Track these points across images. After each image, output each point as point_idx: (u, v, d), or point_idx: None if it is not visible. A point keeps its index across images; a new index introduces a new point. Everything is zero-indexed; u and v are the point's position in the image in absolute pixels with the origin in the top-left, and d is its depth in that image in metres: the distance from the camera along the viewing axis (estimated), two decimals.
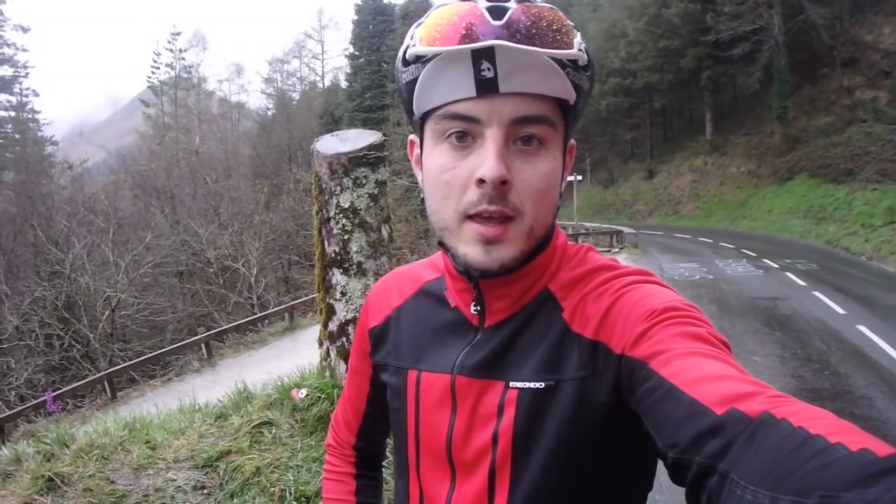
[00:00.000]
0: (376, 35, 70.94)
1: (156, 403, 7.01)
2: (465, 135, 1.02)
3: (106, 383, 15.87)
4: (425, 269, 1.36)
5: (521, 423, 1.07)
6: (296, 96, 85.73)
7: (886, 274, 20.15)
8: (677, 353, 0.90)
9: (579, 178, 40.40)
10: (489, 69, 0.96)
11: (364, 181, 5.05)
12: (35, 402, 15.11)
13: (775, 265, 21.84)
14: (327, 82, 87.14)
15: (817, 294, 16.22)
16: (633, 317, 1.01)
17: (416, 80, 1.03)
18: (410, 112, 1.10)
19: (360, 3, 72.13)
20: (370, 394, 1.42)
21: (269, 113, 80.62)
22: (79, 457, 4.71)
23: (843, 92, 40.35)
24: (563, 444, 1.04)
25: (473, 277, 1.13)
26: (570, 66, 0.98)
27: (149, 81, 71.64)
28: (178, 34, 72.25)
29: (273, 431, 5.14)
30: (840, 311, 14.27)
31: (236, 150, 66.00)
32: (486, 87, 0.98)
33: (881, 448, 0.62)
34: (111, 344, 22.52)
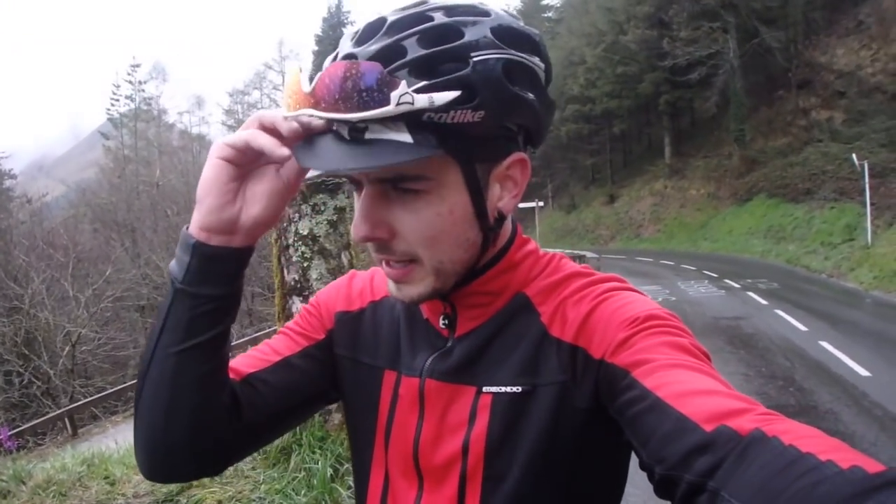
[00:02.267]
0: None
1: (116, 439, 6.88)
2: (359, 186, 1.02)
3: (67, 420, 15.58)
4: None
5: (494, 430, 1.04)
6: None
7: (847, 290, 20.48)
8: (661, 363, 0.88)
9: (541, 204, 40.54)
10: (341, 128, 0.91)
11: (323, 207, 5.02)
12: None
13: (737, 285, 22.05)
14: None
15: (779, 312, 16.38)
16: (614, 323, 0.99)
17: None
18: None
19: (320, 34, 72.43)
20: (299, 354, 1.25)
21: None
22: (36, 493, 4.61)
23: (799, 113, 40.98)
24: (540, 452, 1.01)
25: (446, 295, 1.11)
26: (431, 110, 0.87)
27: (108, 114, 71.15)
28: (138, 66, 71.89)
29: (235, 464, 5.06)
30: (802, 328, 14.41)
31: (198, 182, 65.64)
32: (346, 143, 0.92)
33: (871, 465, 0.62)
34: (72, 380, 22.16)
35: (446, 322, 1.14)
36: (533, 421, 1.02)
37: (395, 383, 1.17)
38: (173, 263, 1.03)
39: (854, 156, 27.50)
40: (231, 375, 1.14)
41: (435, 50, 0.90)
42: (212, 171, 1.01)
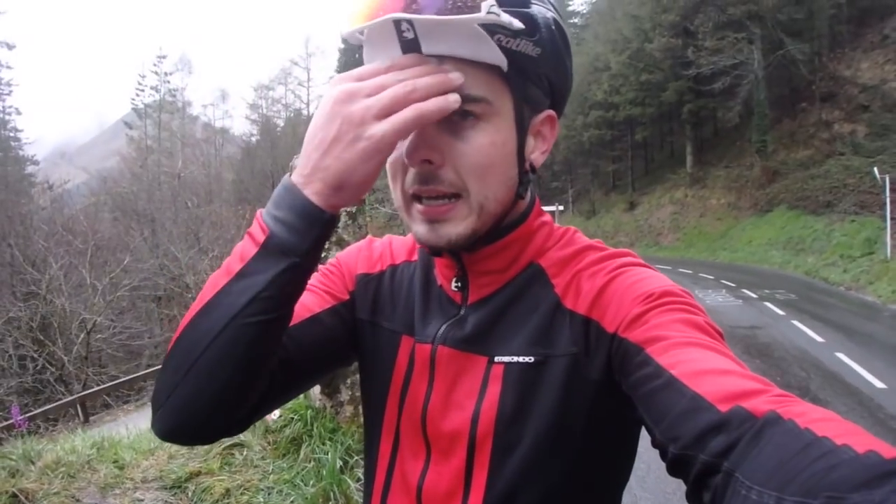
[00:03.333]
0: (362, 63, 71.22)
1: (127, 426, 6.90)
2: None
3: (79, 406, 15.63)
4: None
5: (506, 400, 1.03)
6: (280, 123, 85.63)
7: (865, 303, 20.29)
8: (676, 341, 0.88)
9: (561, 208, 40.60)
10: (408, 30, 0.93)
11: None
12: (5, 423, 14.91)
13: (754, 295, 21.90)
14: (312, 109, 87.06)
15: (796, 323, 16.25)
16: (628, 298, 0.98)
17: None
18: None
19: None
20: (328, 311, 1.24)
21: (253, 139, 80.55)
22: (45, 473, 4.62)
23: (821, 126, 40.79)
24: (551, 423, 1.00)
25: (455, 253, 1.10)
26: (500, 31, 0.93)
27: (133, 104, 71.66)
28: (164, 57, 72.46)
29: (244, 453, 5.07)
30: (819, 339, 14.31)
31: (219, 175, 65.87)
32: (410, 48, 0.95)
33: (888, 450, 0.62)
34: (86, 367, 22.26)
35: (459, 285, 1.14)
36: (544, 391, 1.02)
37: (412, 350, 1.16)
38: (283, 231, 0.95)
39: (876, 169, 27.40)
40: None
41: None
42: (376, 168, 0.96)
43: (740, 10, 41.93)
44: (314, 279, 1.29)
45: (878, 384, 10.56)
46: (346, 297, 1.27)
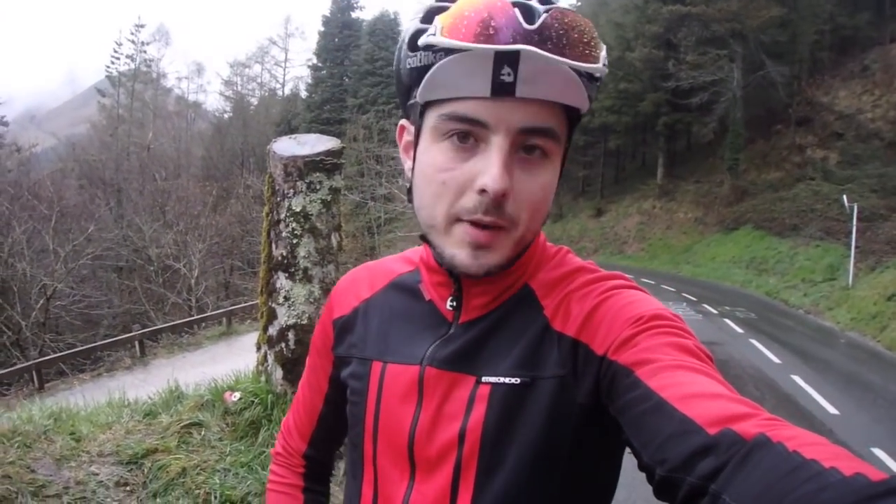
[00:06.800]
0: (341, 49, 71.11)
1: (83, 396, 6.84)
2: (469, 136, 0.98)
3: (34, 372, 15.49)
4: (398, 262, 1.33)
5: (491, 420, 1.04)
6: (254, 101, 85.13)
7: (823, 328, 20.60)
8: (665, 364, 0.88)
9: None
10: (509, 74, 0.92)
11: (318, 186, 5.00)
12: None
13: (715, 311, 22.16)
14: (287, 91, 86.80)
15: (754, 342, 16.48)
16: (618, 321, 0.99)
17: (425, 67, 0.97)
18: (406, 96, 1.05)
19: (328, 15, 72.23)
20: (328, 393, 1.37)
21: (226, 116, 79.80)
22: (0, 442, 4.56)
23: (794, 149, 41.16)
24: (536, 444, 1.01)
25: (455, 274, 1.10)
26: (586, 76, 0.95)
27: (107, 71, 70.62)
28: (142, 26, 71.33)
29: (202, 433, 5.04)
30: (776, 360, 14.55)
31: (189, 149, 65.40)
32: (502, 91, 0.93)
33: (874, 473, 0.62)
34: (43, 333, 22.07)
35: (454, 304, 1.14)
36: (530, 413, 1.02)
37: (381, 373, 1.18)
38: None
39: (845, 197, 27.66)
40: (295, 461, 1.47)
41: (595, 36, 0.96)
42: None
43: (724, 27, 42.09)
44: (309, 365, 1.43)
45: (832, 410, 10.75)
46: (330, 360, 1.34)
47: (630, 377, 0.90)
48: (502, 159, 0.96)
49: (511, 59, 0.91)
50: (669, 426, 0.80)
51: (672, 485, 0.77)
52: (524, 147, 0.98)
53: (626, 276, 1.14)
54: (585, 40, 0.92)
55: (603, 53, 0.93)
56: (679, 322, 0.99)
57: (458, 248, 1.03)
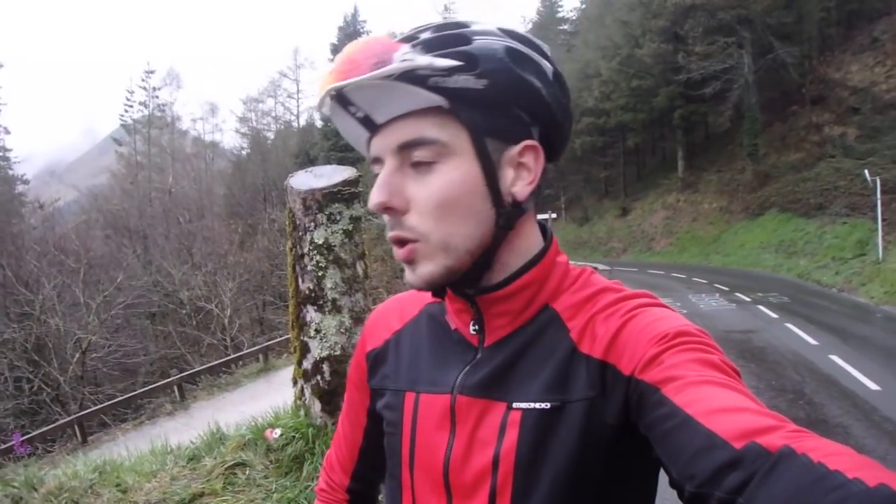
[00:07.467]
0: None
1: (127, 446, 6.88)
2: (380, 162, 1.07)
3: (76, 427, 15.61)
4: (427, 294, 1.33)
5: (524, 445, 1.03)
6: (271, 135, 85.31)
7: (857, 305, 20.37)
8: (691, 380, 0.88)
9: (554, 216, 40.52)
10: (358, 110, 1.03)
11: (338, 217, 5.02)
12: (3, 446, 14.83)
13: (748, 299, 21.96)
14: (302, 121, 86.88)
15: (790, 326, 16.31)
16: (644, 339, 0.99)
17: None
18: None
19: (335, 42, 72.51)
20: (367, 427, 1.37)
21: (244, 152, 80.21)
22: (48, 500, 4.61)
23: (812, 129, 40.91)
24: (569, 467, 1.01)
25: (469, 296, 1.12)
26: (435, 73, 0.97)
27: (122, 120, 71.32)
28: (152, 72, 71.95)
29: (247, 472, 5.06)
30: (813, 342, 14.36)
31: (210, 189, 65.65)
32: (369, 125, 1.05)
33: None
34: (82, 387, 22.21)
35: (477, 328, 1.14)
36: (562, 437, 1.02)
37: (415, 403, 1.19)
38: None
39: (867, 171, 27.39)
40: (339, 496, 1.48)
41: (442, 34, 1.01)
42: None
43: (730, 15, 42.03)
44: (347, 399, 1.44)
45: (873, 386, 10.59)
46: (367, 393, 1.36)
47: (657, 395, 0.90)
48: (382, 178, 1.04)
49: (342, 100, 1.02)
50: (696, 442, 0.80)
51: (701, 500, 0.77)
52: (413, 163, 1.03)
53: (652, 293, 1.13)
54: (370, 52, 0.98)
55: (400, 52, 0.97)
56: (705, 338, 1.00)
57: (406, 272, 1.10)
